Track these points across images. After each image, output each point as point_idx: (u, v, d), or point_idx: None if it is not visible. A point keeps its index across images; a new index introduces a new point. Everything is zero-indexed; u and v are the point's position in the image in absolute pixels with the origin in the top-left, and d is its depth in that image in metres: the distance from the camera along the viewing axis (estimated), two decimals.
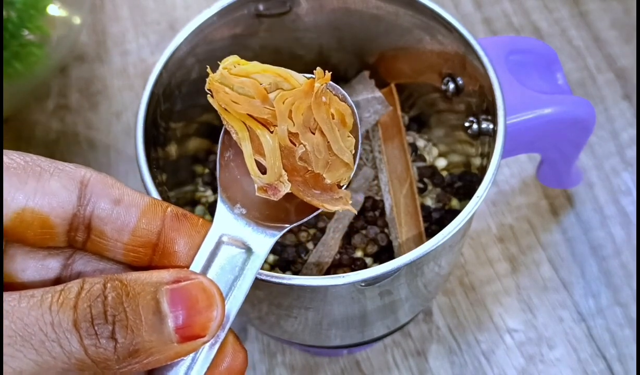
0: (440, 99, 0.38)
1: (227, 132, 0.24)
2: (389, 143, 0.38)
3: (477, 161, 0.36)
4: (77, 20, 0.51)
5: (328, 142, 0.23)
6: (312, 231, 0.37)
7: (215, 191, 0.39)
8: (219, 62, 0.23)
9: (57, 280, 0.23)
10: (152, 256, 0.23)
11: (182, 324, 0.20)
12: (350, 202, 0.24)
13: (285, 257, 0.36)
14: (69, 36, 0.50)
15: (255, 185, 0.23)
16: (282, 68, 0.23)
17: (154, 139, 0.33)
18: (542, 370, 0.42)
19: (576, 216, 0.47)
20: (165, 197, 0.32)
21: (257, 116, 0.23)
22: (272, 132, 0.23)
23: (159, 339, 0.20)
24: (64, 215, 0.22)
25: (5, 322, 0.19)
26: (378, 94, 0.38)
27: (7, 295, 0.19)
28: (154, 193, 0.30)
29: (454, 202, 0.38)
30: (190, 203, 0.39)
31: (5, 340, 0.18)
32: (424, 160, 0.39)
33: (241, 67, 0.23)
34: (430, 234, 0.36)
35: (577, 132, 0.38)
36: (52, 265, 0.23)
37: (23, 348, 0.18)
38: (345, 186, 0.24)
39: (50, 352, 0.19)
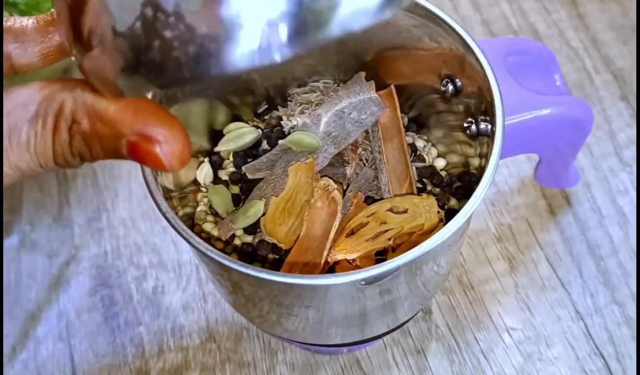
0: (439, 100, 0.38)
1: None
2: (388, 143, 0.38)
3: (475, 161, 0.36)
4: None
5: None
6: None
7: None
8: None
9: None
10: None
11: None
12: None
13: (284, 258, 0.36)
14: None
15: None
16: None
17: None
18: (541, 368, 0.42)
19: (574, 216, 0.47)
20: (167, 197, 0.32)
21: None
22: None
23: None
24: None
25: None
26: (374, 95, 0.38)
27: None
28: (158, 194, 0.30)
29: (453, 202, 0.38)
30: (192, 203, 0.39)
31: None
32: (423, 160, 0.39)
33: None
34: None
35: (575, 133, 0.38)
36: None
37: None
38: None
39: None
